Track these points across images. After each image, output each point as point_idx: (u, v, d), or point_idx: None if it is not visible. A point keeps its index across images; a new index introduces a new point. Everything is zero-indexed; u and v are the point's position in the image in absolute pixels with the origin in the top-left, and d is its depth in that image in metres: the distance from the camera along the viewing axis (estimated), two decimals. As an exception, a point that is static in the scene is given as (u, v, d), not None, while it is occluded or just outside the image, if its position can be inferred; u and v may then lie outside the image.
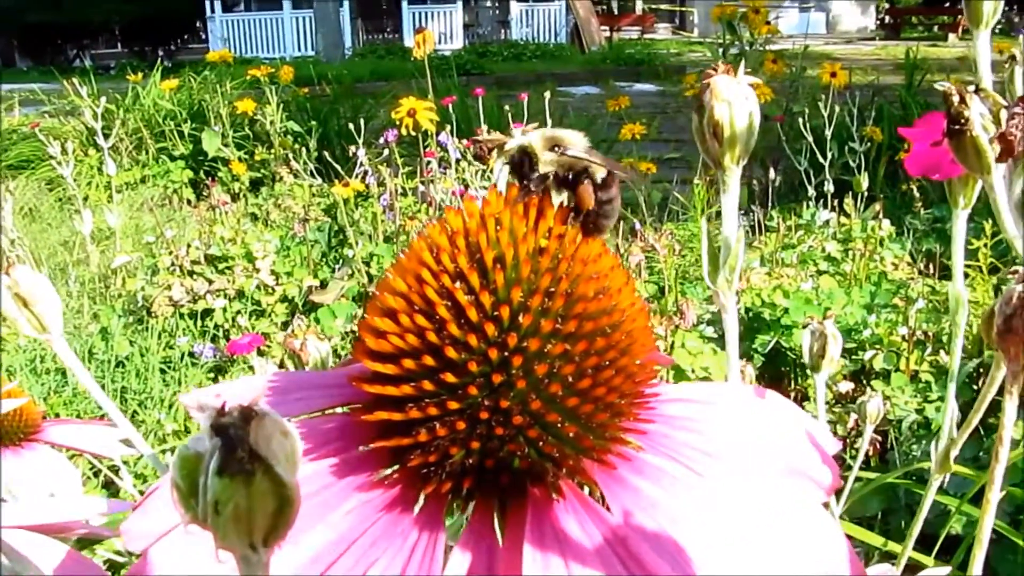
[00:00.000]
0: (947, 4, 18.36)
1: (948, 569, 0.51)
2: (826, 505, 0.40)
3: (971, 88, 0.43)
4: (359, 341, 0.39)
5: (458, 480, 0.36)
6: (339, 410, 0.43)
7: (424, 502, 0.36)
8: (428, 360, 0.36)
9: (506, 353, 0.36)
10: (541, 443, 0.36)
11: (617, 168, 0.45)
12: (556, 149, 0.42)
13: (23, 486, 0.81)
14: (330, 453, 0.38)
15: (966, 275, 2.67)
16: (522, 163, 0.42)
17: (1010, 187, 0.36)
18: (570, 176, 0.43)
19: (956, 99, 0.43)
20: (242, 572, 0.25)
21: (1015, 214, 0.36)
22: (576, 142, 0.44)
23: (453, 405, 0.36)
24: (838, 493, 0.97)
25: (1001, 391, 0.43)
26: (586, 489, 0.37)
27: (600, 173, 0.44)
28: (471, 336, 0.36)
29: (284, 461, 0.23)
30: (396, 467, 0.38)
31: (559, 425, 0.36)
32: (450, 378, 0.36)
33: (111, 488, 1.95)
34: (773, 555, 0.35)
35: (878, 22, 20.31)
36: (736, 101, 0.41)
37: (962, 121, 0.43)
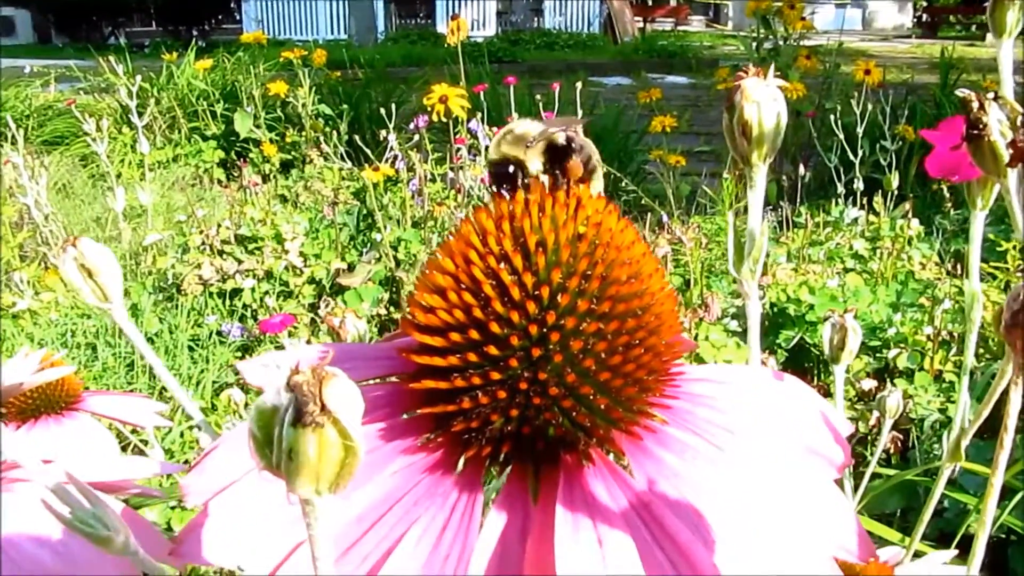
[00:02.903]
0: (985, 4, 18.11)
1: (954, 553, 0.53)
2: (839, 482, 0.43)
3: (990, 95, 0.45)
4: (407, 316, 0.42)
5: (497, 445, 0.39)
6: (375, 381, 0.46)
7: (464, 465, 0.40)
8: (473, 334, 0.39)
9: (545, 329, 0.39)
10: (574, 413, 0.39)
11: (570, 123, 0.48)
12: (528, 145, 0.45)
13: (64, 453, 0.84)
14: (378, 419, 0.41)
15: (994, 276, 2.66)
16: (514, 174, 0.45)
17: (1019, 192, 0.38)
18: (550, 157, 0.46)
19: (975, 105, 0.45)
20: (306, 516, 0.28)
21: (1022, 215, 0.38)
22: (532, 127, 0.47)
23: (495, 376, 0.38)
24: (855, 488, 0.99)
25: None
26: (613, 457, 0.40)
27: (561, 137, 0.47)
28: (513, 313, 0.39)
29: (350, 416, 0.26)
30: (439, 432, 0.41)
31: (591, 397, 0.39)
32: (493, 351, 0.39)
33: (139, 460, 1.98)
34: (786, 525, 0.38)
35: (915, 20, 20.10)
36: (765, 102, 0.43)
37: (980, 126, 0.45)
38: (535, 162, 0.44)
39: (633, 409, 0.41)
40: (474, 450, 0.39)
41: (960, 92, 0.45)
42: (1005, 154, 0.44)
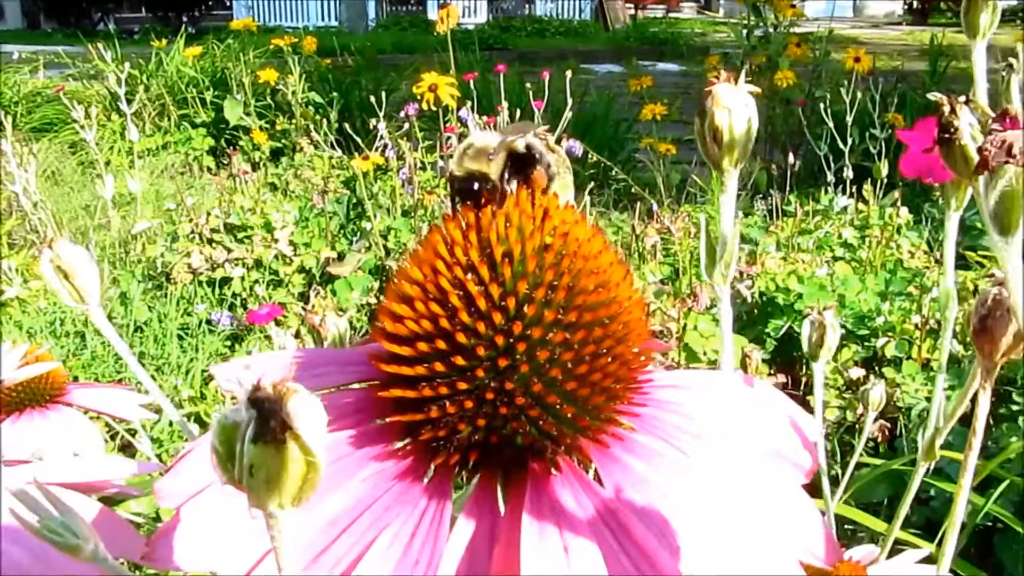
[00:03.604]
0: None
1: (927, 552, 0.54)
2: (812, 487, 0.43)
3: (961, 99, 0.45)
4: (377, 324, 0.42)
5: (465, 453, 0.40)
6: (354, 386, 0.46)
7: (433, 473, 0.40)
8: (440, 344, 0.39)
9: (511, 340, 0.39)
10: (541, 422, 0.39)
11: (526, 129, 0.47)
12: (491, 158, 0.45)
13: (49, 446, 0.84)
14: (348, 425, 0.41)
15: (982, 264, 2.68)
16: (479, 189, 0.44)
17: (986, 198, 0.38)
18: (512, 168, 0.46)
19: (947, 109, 0.45)
20: (270, 529, 0.28)
21: (991, 222, 0.38)
22: (492, 138, 0.46)
23: (462, 385, 0.39)
24: (841, 477, 1.00)
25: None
26: (581, 465, 0.41)
27: (521, 145, 0.46)
28: (480, 323, 0.39)
29: (311, 431, 0.26)
30: (408, 440, 0.41)
31: (558, 406, 0.39)
32: (460, 361, 0.39)
33: (127, 451, 1.99)
34: (752, 531, 0.38)
35: (905, 7, 20.10)
36: (736, 108, 0.44)
37: (952, 130, 0.45)
38: (497, 173, 0.44)
39: (600, 417, 0.41)
40: (442, 458, 0.39)
41: (932, 96, 0.46)
42: (976, 157, 0.44)
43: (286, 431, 0.26)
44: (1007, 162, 0.38)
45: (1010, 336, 0.42)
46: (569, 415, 0.40)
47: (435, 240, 0.41)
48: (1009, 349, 0.42)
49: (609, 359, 0.40)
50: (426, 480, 0.39)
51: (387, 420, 0.41)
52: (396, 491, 0.39)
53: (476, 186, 0.42)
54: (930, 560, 0.64)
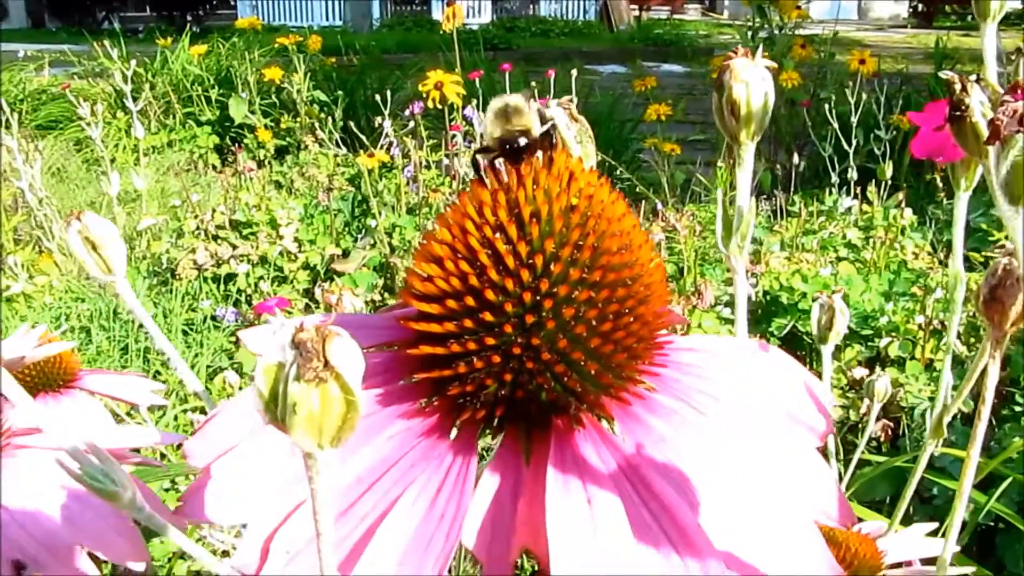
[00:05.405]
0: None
1: (935, 524, 0.55)
2: (822, 451, 0.44)
3: (972, 77, 0.46)
4: (406, 285, 0.43)
5: (491, 409, 0.41)
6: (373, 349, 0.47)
7: (459, 429, 0.41)
8: (469, 301, 0.40)
9: (538, 297, 0.40)
10: (566, 378, 0.40)
11: (525, 95, 0.48)
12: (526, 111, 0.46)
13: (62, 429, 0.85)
14: (376, 384, 0.42)
15: (985, 265, 2.68)
16: (521, 144, 0.45)
17: (997, 169, 0.39)
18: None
19: (958, 87, 0.46)
20: (308, 470, 0.29)
21: (1001, 192, 0.39)
22: (519, 99, 0.47)
23: (490, 341, 0.40)
24: (843, 476, 1.01)
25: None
26: (603, 422, 0.42)
27: (547, 113, 0.47)
28: (508, 280, 0.40)
29: (351, 371, 0.27)
30: (435, 397, 0.42)
31: (582, 363, 0.40)
32: (488, 317, 0.40)
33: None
34: (769, 489, 0.39)
35: (910, 9, 20.08)
36: (753, 82, 0.45)
37: (963, 108, 0.46)
38: (536, 125, 0.45)
39: (622, 375, 0.42)
40: (468, 414, 0.40)
41: (943, 74, 0.47)
42: (987, 134, 0.45)
43: (328, 370, 0.27)
44: (1018, 131, 0.39)
45: (1020, 305, 0.43)
46: (592, 372, 0.41)
47: (463, 202, 0.42)
48: (1018, 318, 0.43)
49: (631, 318, 0.41)
50: (452, 437, 0.40)
51: (415, 378, 0.42)
52: (422, 448, 0.40)
53: (521, 142, 0.43)
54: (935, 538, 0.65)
